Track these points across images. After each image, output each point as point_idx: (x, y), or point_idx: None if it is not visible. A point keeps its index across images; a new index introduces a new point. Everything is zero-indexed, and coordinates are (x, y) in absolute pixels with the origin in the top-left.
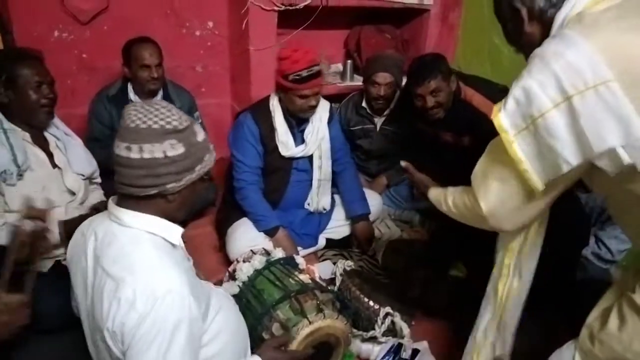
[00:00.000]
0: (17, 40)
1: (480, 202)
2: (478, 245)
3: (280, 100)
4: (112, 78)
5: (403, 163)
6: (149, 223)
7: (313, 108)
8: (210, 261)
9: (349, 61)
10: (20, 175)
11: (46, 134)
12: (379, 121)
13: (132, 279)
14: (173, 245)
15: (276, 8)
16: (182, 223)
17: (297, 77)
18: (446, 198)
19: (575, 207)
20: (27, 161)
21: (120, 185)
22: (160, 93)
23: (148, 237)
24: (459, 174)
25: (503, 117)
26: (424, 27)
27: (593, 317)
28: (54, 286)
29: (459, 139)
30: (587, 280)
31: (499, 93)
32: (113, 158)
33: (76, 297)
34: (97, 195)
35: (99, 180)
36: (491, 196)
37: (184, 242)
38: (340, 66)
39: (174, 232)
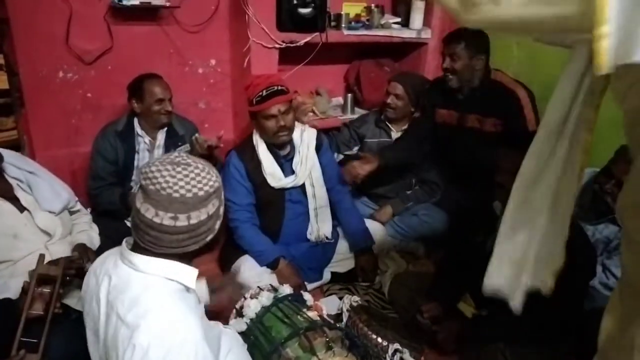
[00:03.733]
0: (23, 81)
1: None
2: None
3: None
4: (115, 115)
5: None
6: (164, 268)
7: (285, 129)
8: None
9: (349, 95)
10: None
11: (7, 178)
12: (395, 135)
13: (146, 326)
14: (187, 288)
15: (277, 45)
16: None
17: (258, 99)
18: None
19: (581, 239)
20: None
21: (153, 246)
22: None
23: (163, 283)
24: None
25: None
26: (422, 60)
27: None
28: (58, 330)
29: (484, 120)
30: (595, 309)
31: None
32: (150, 224)
33: (87, 339)
34: (83, 224)
35: (78, 207)
36: None
37: None
38: (341, 100)
39: (189, 275)
